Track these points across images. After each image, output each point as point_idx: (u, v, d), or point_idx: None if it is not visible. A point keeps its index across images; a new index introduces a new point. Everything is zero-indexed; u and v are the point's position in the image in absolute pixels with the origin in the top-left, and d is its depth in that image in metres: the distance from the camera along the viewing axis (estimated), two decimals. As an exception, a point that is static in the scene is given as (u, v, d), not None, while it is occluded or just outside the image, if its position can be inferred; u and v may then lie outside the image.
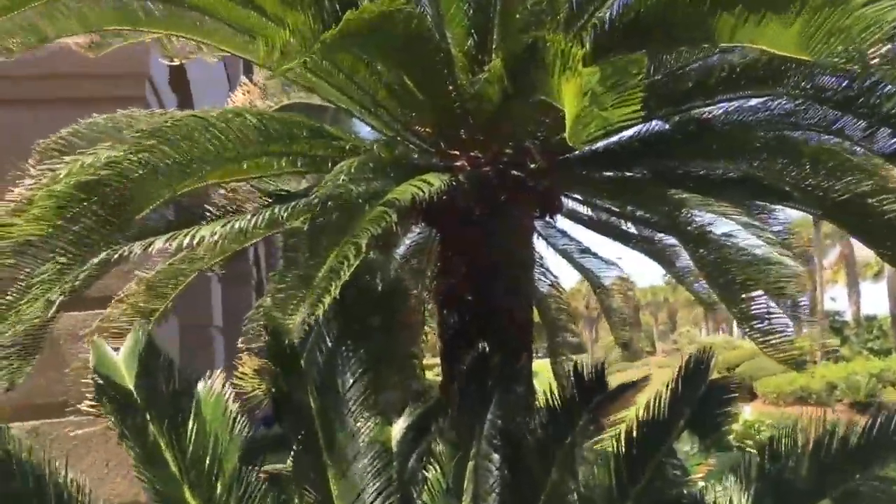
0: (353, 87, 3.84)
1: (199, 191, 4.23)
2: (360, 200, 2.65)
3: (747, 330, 3.02)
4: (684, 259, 5.12)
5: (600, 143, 4.23)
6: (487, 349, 3.81)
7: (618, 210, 5.04)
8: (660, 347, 51.83)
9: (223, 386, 3.30)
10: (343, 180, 2.61)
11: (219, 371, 3.39)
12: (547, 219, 4.69)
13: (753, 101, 4.08)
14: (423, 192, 2.78)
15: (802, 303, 3.03)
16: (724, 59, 3.74)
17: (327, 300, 2.31)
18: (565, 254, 5.50)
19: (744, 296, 2.97)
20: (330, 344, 3.49)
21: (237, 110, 3.17)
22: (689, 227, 3.09)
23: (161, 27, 3.84)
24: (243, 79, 5.33)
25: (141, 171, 2.56)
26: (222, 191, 4.13)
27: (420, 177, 2.96)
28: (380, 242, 5.16)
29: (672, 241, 5.02)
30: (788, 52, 2.55)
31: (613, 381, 3.65)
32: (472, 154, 3.98)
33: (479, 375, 3.74)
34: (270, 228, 3.92)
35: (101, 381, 2.87)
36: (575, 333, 5.81)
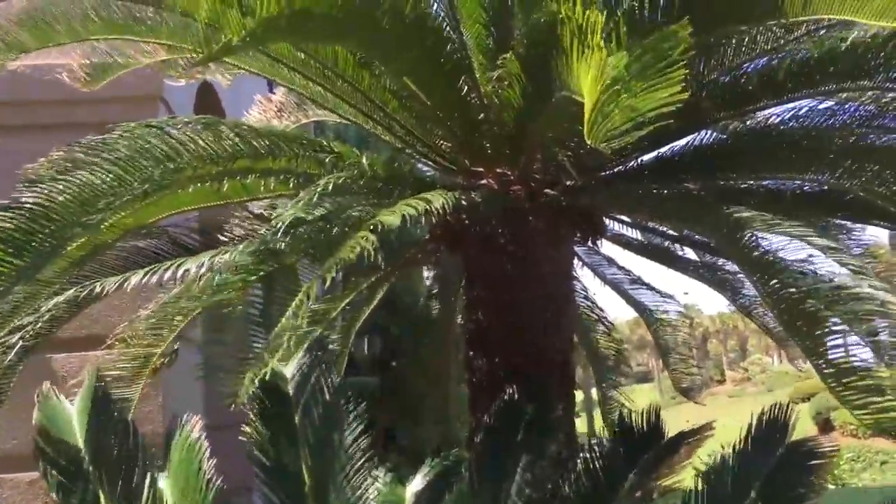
0: (359, 96, 3.36)
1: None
2: (334, 225, 2.13)
3: (832, 383, 2.37)
4: (751, 288, 4.45)
5: (648, 156, 3.66)
6: (517, 397, 3.27)
7: (673, 234, 4.43)
8: (730, 376, 49.74)
9: (200, 437, 2.81)
10: (315, 202, 2.10)
11: (196, 417, 2.90)
12: (590, 244, 4.11)
13: (828, 104, 3.47)
14: (417, 212, 2.25)
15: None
16: (796, 50, 3.13)
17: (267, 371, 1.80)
18: (614, 285, 4.88)
19: (827, 342, 2.33)
20: (328, 396, 2.98)
21: (212, 121, 2.70)
22: (753, 253, 2.48)
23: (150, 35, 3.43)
24: (258, 96, 4.90)
25: (64, 196, 2.09)
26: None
27: (420, 195, 2.43)
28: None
29: (736, 267, 4.36)
30: (877, 22, 1.97)
31: (677, 414, 3.05)
32: (498, 171, 3.45)
33: (507, 428, 3.19)
34: (271, 260, 3.45)
35: (41, 442, 2.40)
36: (626, 375, 5.15)
